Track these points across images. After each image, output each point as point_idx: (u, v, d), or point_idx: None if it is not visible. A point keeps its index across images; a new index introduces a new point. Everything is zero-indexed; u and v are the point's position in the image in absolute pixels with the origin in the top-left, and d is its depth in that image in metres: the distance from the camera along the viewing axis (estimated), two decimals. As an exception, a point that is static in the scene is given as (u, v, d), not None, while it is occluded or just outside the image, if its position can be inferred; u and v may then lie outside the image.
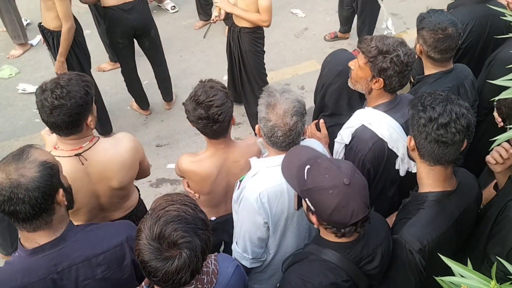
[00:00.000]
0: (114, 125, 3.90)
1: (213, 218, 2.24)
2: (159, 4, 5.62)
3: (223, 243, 2.49)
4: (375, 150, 1.91)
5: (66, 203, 1.38)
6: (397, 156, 1.94)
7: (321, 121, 2.23)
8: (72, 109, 1.63)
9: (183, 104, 1.94)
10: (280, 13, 5.36)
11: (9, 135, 3.88)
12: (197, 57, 4.88)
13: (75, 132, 1.71)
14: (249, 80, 3.61)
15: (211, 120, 1.85)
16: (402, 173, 1.99)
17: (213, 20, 3.52)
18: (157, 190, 3.48)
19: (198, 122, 1.88)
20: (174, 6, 5.54)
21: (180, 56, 4.89)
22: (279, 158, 1.71)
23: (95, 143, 1.78)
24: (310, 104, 4.27)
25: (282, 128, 1.65)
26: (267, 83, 3.68)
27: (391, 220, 1.83)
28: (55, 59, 3.35)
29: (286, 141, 1.68)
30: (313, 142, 1.95)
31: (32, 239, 1.34)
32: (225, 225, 2.23)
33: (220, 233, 2.29)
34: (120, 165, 1.82)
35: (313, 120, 2.36)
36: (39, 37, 4.92)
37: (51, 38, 3.28)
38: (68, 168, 1.69)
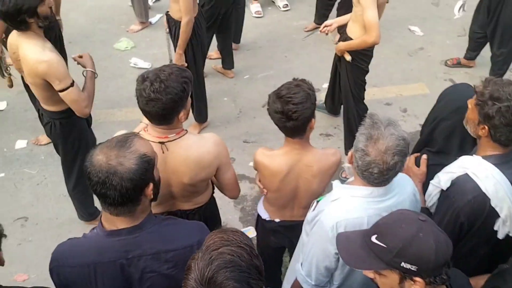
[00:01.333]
0: (209, 112, 4.00)
1: (277, 220, 2.24)
2: (273, 0, 5.65)
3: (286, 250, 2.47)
4: (474, 204, 1.71)
5: (152, 196, 1.41)
6: (499, 216, 1.73)
7: (424, 156, 2.05)
8: (166, 104, 1.68)
9: (268, 96, 1.95)
10: (396, 28, 5.10)
11: (113, 104, 4.16)
12: (301, 59, 4.83)
13: (165, 124, 1.77)
14: (346, 94, 3.46)
15: (286, 116, 1.85)
16: (501, 236, 1.76)
17: (324, 32, 3.41)
18: (236, 185, 3.51)
19: (274, 115, 1.90)
20: (287, 5, 5.52)
21: (285, 56, 4.87)
22: (366, 190, 1.61)
23: (180, 137, 1.82)
24: (409, 128, 4.08)
25: (380, 165, 1.51)
26: (362, 99, 3.50)
27: (476, 282, 1.64)
28: (173, 46, 3.51)
29: (381, 178, 1.55)
30: (404, 178, 1.80)
31: (112, 221, 1.39)
32: (288, 230, 2.23)
33: (281, 237, 2.31)
34: (196, 164, 1.85)
35: (413, 152, 2.19)
36: (158, 16, 5.22)
37: (174, 27, 3.42)
38: None
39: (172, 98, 1.67)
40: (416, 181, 1.95)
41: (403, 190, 1.70)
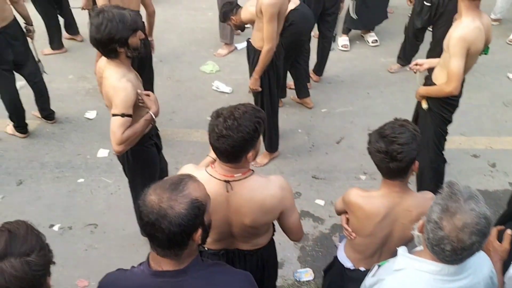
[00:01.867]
0: (281, 143, 3.97)
1: (362, 269, 2.08)
2: (362, 35, 5.55)
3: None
4: None
5: (200, 242, 1.39)
6: None
7: (508, 231, 1.82)
8: (237, 142, 1.66)
9: (369, 135, 1.91)
10: (492, 74, 4.75)
11: (192, 124, 4.29)
12: (384, 98, 4.65)
13: (233, 162, 1.74)
14: (423, 142, 3.22)
15: (389, 156, 1.79)
16: None
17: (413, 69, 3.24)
18: (299, 222, 3.41)
19: (375, 155, 1.84)
20: (376, 40, 5.39)
21: (367, 93, 4.73)
22: (435, 266, 1.44)
23: (246, 177, 1.79)
24: (497, 186, 3.71)
25: (454, 243, 1.34)
26: (441, 150, 3.24)
27: None
28: (250, 74, 3.56)
29: (453, 257, 1.37)
30: (481, 257, 1.56)
31: (158, 261, 1.39)
32: None
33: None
34: (259, 207, 1.80)
35: (497, 224, 1.96)
36: (244, 44, 5.35)
37: (253, 55, 3.47)
38: (214, 189, 1.75)
39: (243, 136, 1.66)
40: (496, 258, 1.73)
41: (478, 271, 1.50)
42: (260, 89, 3.49)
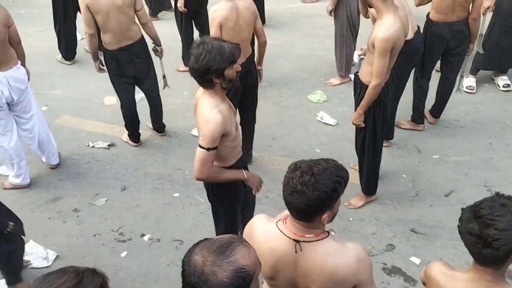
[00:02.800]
0: (380, 187, 3.70)
1: None
2: (492, 77, 4.98)
3: None
4: None
5: None
6: None
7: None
8: (311, 200, 1.52)
9: (462, 210, 1.63)
10: None
11: (289, 153, 4.22)
12: (509, 152, 4.09)
13: (305, 220, 1.61)
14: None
15: (483, 242, 1.50)
16: None
17: None
18: (387, 278, 3.12)
19: (466, 237, 1.56)
20: (508, 85, 4.79)
21: (490, 143, 4.21)
22: None
23: (319, 240, 1.63)
24: None
25: None
26: None
27: None
28: (355, 108, 3.39)
29: None
30: None
31: None
32: None
33: None
34: (328, 276, 1.62)
35: None
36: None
37: (359, 89, 3.30)
38: (282, 246, 1.64)
39: (319, 195, 1.52)
40: None
41: None
42: (363, 124, 3.29)
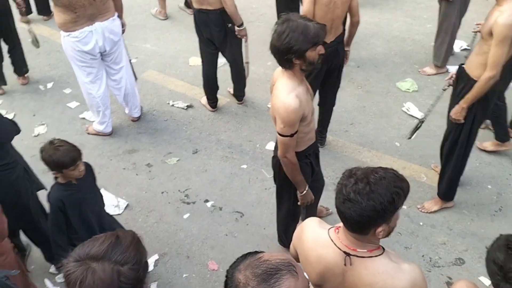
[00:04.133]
0: (459, 193, 3.40)
1: None
2: None
3: None
4: None
5: None
6: None
7: None
8: (365, 211, 1.39)
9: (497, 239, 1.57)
10: None
11: (365, 142, 4.00)
12: None
13: (357, 232, 1.48)
14: None
15: (503, 274, 1.46)
16: None
17: None
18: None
19: (490, 263, 1.52)
20: None
21: None
22: None
23: (372, 256, 1.50)
24: None
25: None
26: None
27: None
28: (452, 103, 3.09)
29: None
30: None
31: None
32: None
33: None
34: None
35: None
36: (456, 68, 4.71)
37: (464, 83, 2.95)
38: (331, 256, 1.55)
39: (374, 206, 1.38)
40: None
41: None
42: (463, 120, 2.98)
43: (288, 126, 2.21)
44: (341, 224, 1.59)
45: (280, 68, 2.28)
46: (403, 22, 5.70)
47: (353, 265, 1.51)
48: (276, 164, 2.60)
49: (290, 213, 2.85)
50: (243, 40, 3.97)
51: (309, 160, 2.58)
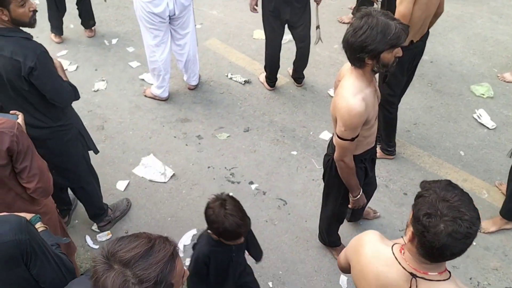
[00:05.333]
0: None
1: None
2: None
3: None
4: None
5: None
6: None
7: None
8: (463, 250, 1.35)
9: None
10: None
11: (427, 146, 3.75)
12: None
13: (437, 262, 1.40)
14: None
15: None
16: None
17: None
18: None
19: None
20: None
21: None
22: None
23: (440, 280, 1.42)
24: None
25: None
26: None
27: None
28: None
29: None
30: None
31: None
32: None
33: None
34: None
35: None
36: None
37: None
38: (393, 275, 1.47)
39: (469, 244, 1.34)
40: None
41: None
42: None
43: (349, 130, 2.06)
44: (400, 240, 1.51)
45: (349, 64, 2.10)
46: (488, 18, 5.22)
47: (418, 287, 1.43)
48: (328, 162, 2.46)
49: (335, 213, 2.72)
50: (316, 4, 3.85)
51: (364, 165, 2.42)
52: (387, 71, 2.03)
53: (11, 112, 2.10)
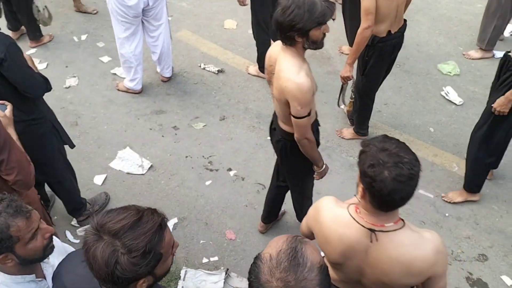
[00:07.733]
0: (491, 188, 3.26)
1: None
2: None
3: None
4: None
5: None
6: None
7: None
8: (410, 194, 1.42)
9: None
10: None
11: (398, 124, 3.86)
12: None
13: (390, 210, 1.48)
14: None
15: None
16: None
17: None
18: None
19: None
20: None
21: None
22: None
23: (396, 229, 1.49)
24: None
25: None
26: None
27: None
28: (492, 93, 2.91)
29: None
30: None
31: None
32: None
33: None
34: (403, 269, 1.50)
35: None
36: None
37: (510, 72, 2.78)
38: (353, 235, 1.53)
39: (414, 188, 1.42)
40: None
41: None
42: (506, 113, 2.82)
43: (305, 106, 2.12)
44: (354, 200, 1.59)
45: (274, 48, 2.18)
46: (453, 0, 5.37)
47: (378, 241, 1.51)
48: (283, 147, 2.50)
49: (304, 190, 2.79)
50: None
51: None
52: (317, 47, 2.10)
53: (0, 102, 2.08)
